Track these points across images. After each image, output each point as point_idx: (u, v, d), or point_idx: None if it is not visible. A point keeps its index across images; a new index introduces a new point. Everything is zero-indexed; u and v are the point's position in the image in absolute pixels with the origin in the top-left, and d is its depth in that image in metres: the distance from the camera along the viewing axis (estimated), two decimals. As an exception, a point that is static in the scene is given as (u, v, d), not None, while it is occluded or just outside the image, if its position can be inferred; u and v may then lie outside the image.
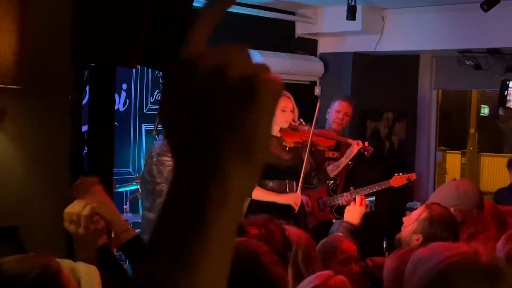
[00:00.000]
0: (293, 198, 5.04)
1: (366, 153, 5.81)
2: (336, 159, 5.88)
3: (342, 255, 3.14)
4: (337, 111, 6.19)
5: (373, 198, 4.87)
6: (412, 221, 3.44)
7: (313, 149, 5.52)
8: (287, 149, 5.22)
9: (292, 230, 3.13)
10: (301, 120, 5.37)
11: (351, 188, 5.68)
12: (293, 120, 5.25)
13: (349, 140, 5.76)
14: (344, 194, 5.61)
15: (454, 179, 4.08)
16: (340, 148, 5.97)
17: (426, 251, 2.00)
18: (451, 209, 3.70)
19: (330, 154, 5.96)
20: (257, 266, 1.72)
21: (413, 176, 5.82)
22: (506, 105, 2.83)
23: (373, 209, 4.83)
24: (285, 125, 5.20)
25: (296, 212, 5.04)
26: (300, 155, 5.24)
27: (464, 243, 1.69)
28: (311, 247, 3.02)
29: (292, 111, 5.21)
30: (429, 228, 3.35)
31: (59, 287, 1.85)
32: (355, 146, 5.61)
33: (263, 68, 0.75)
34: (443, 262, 1.60)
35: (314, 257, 2.99)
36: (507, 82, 2.84)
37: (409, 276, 1.70)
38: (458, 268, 1.59)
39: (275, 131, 5.18)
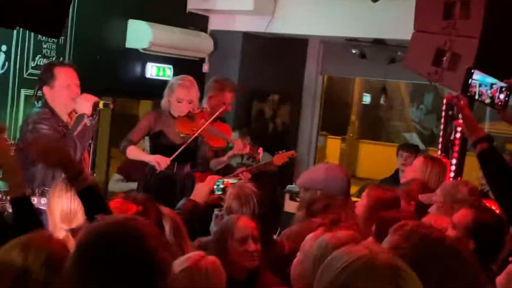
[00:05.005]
0: (157, 159, 5.27)
1: (257, 158, 5.69)
2: None
3: (239, 233, 3.19)
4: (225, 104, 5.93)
5: (236, 180, 4.82)
6: None
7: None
8: (180, 135, 5.39)
9: (165, 210, 3.14)
10: (205, 106, 5.55)
11: (239, 169, 5.76)
12: (192, 109, 5.41)
13: (234, 142, 5.68)
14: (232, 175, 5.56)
15: (327, 163, 4.09)
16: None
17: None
18: (318, 192, 3.74)
19: None
20: (141, 249, 1.66)
21: (294, 154, 6.02)
22: (469, 94, 2.86)
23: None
24: (181, 114, 5.39)
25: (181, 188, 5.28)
26: (194, 141, 5.39)
27: (359, 245, 1.65)
28: (181, 223, 3.06)
29: (190, 103, 5.39)
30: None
31: None
32: (238, 148, 5.55)
33: None
34: (344, 270, 1.57)
35: (184, 232, 3.05)
36: (472, 71, 2.88)
37: (317, 280, 1.66)
38: (360, 274, 1.56)
39: (176, 114, 5.39)
